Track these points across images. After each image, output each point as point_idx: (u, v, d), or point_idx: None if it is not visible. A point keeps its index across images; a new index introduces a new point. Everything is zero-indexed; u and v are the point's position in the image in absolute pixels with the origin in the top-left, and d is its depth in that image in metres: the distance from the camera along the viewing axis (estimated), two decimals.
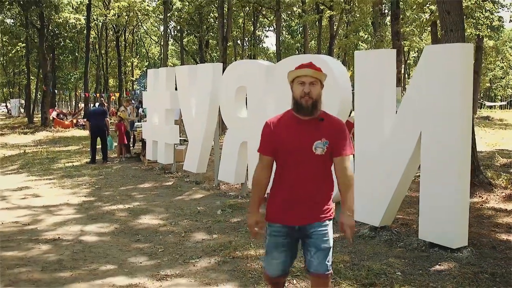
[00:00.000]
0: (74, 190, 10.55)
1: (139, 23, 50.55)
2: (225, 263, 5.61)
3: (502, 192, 8.71)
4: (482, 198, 8.45)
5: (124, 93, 44.50)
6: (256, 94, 8.72)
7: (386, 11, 27.34)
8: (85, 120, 32.14)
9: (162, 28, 44.05)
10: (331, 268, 3.52)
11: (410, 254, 5.82)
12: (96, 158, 15.07)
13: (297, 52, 50.11)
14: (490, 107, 56.74)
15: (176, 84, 12.00)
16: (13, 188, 10.96)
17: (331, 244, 3.54)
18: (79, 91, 66.35)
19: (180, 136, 12.63)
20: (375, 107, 6.61)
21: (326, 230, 3.51)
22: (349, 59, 39.63)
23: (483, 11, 18.20)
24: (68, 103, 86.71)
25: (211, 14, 38.32)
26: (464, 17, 17.37)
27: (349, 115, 7.75)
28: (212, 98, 10.22)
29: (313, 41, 48.74)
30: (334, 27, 35.32)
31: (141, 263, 5.75)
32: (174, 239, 6.75)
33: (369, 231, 6.72)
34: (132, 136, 16.94)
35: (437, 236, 5.85)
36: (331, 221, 3.57)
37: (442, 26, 9.57)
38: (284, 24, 50.88)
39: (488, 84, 62.57)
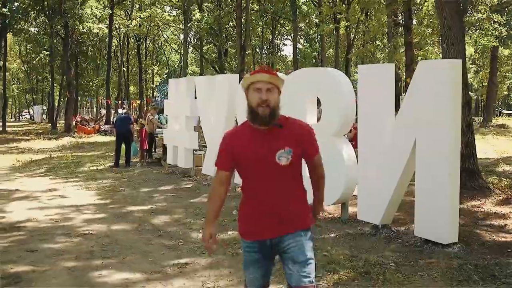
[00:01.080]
0: (99, 192, 11.30)
1: (160, 32, 51.55)
2: (238, 254, 6.27)
3: (500, 196, 9.26)
4: (480, 201, 9.00)
5: (145, 100, 45.43)
6: None
7: (402, 21, 27.95)
8: (107, 126, 33.14)
9: (182, 36, 44.99)
10: (314, 281, 3.30)
11: (405, 249, 6.44)
12: (119, 162, 15.88)
13: (314, 60, 50.64)
14: (509, 115, 56.70)
15: (195, 93, 12.72)
16: (42, 189, 11.75)
17: (311, 255, 3.33)
18: (100, 98, 67.64)
19: (198, 142, 13.33)
20: (376, 115, 7.25)
21: (301, 240, 3.31)
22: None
23: (492, 22, 18.76)
24: (89, 110, 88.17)
25: (230, 23, 39.19)
26: (474, 28, 17.95)
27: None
28: (229, 106, 10.91)
29: (331, 49, 49.42)
30: (351, 35, 35.96)
31: (163, 253, 6.47)
32: (193, 234, 7.45)
33: (371, 229, 7.34)
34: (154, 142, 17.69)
35: (430, 233, 6.47)
36: (308, 231, 3.40)
37: (443, 40, 10.20)
38: (302, 33, 51.56)
39: (505, 92, 62.51)
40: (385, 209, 7.09)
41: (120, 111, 23.70)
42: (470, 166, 9.73)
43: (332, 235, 7.23)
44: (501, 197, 9.20)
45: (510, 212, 8.25)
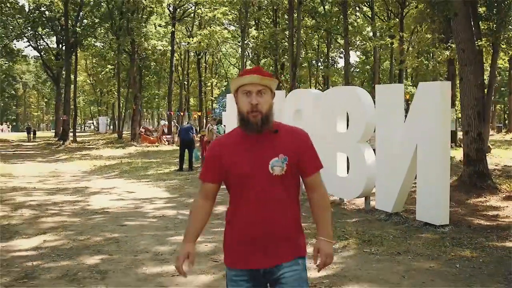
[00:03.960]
0: (167, 189, 13.50)
1: (219, 46, 54.13)
2: None
3: (504, 195, 10.90)
4: (486, 198, 10.66)
5: (205, 112, 47.98)
6: (307, 115, 11.30)
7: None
8: (169, 136, 35.73)
9: (240, 50, 47.34)
10: None
11: (406, 228, 8.27)
12: (183, 166, 18.14)
13: (366, 74, 51.94)
14: None
15: None
16: (118, 187, 14.07)
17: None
18: (161, 110, 70.84)
19: None
20: (389, 125, 9.13)
21: (298, 270, 2.86)
22: (419, 79, 40.45)
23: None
24: (150, 121, 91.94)
25: (286, 38, 41.21)
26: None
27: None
28: (277, 118, 12.89)
29: (387, 62, 50.65)
30: (405, 47, 37.28)
31: (223, 229, 8.49)
32: None
33: (385, 216, 9.18)
34: None
35: (427, 216, 8.29)
36: (305, 259, 2.95)
37: (459, 61, 11.95)
38: (357, 46, 52.90)
39: None
40: (395, 199, 8.95)
41: (184, 122, 26.06)
42: (480, 169, 11.40)
43: (353, 220, 9.11)
44: (504, 195, 10.84)
45: (506, 206, 9.91)
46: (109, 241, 7.62)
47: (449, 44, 20.56)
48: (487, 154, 19.02)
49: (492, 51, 20.68)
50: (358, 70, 56.87)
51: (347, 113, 10.33)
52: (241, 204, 2.89)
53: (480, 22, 18.67)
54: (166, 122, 44.95)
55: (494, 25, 19.10)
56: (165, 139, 36.02)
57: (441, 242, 7.28)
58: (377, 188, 9.50)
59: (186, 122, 23.02)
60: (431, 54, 31.80)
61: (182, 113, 44.84)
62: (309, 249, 3.18)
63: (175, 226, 8.74)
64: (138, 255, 6.80)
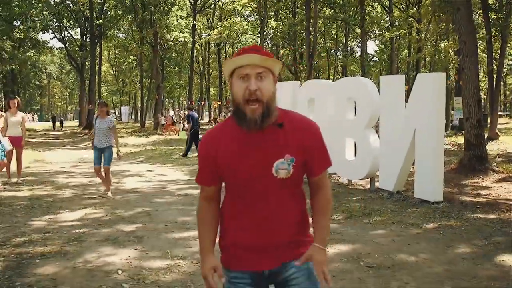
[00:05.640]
0: (191, 172, 14.60)
1: (238, 37, 55.06)
2: None
3: (500, 176, 11.82)
4: (483, 179, 11.58)
5: (225, 101, 49.07)
6: (319, 103, 12.30)
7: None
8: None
9: (259, 41, 48.27)
10: None
11: (404, 204, 9.27)
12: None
13: (383, 63, 52.45)
14: None
15: None
16: (145, 171, 15.23)
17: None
18: (182, 99, 72.02)
19: None
20: (391, 112, 10.11)
21: (309, 269, 2.53)
22: (437, 68, 40.75)
23: None
24: (171, 110, 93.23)
25: (303, 29, 42.01)
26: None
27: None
28: (292, 106, 13.89)
29: (405, 51, 51.13)
30: (423, 35, 37.80)
31: None
32: None
33: (387, 195, 10.17)
34: None
35: (423, 193, 9.28)
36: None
37: (460, 52, 12.85)
38: (377, 35, 53.34)
39: None
40: (396, 179, 9.95)
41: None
42: (479, 153, 12.30)
43: (358, 197, 10.13)
44: (500, 177, 11.76)
45: (500, 186, 10.84)
46: (141, 214, 8.76)
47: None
48: (495, 140, 19.92)
49: (501, 40, 21.40)
50: (376, 59, 57.42)
51: (354, 102, 11.31)
52: (239, 209, 2.51)
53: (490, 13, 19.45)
54: (173, 113, 46.07)
55: (503, 15, 19.88)
56: (184, 128, 37.04)
57: (431, 215, 8.29)
58: (380, 169, 10.50)
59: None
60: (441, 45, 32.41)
61: (202, 103, 46.00)
62: None
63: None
64: (168, 224, 7.92)
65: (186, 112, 21.93)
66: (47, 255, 6.24)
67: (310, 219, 2.61)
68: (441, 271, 5.54)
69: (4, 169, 12.06)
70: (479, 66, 12.92)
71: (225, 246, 2.60)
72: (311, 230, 2.62)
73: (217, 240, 2.64)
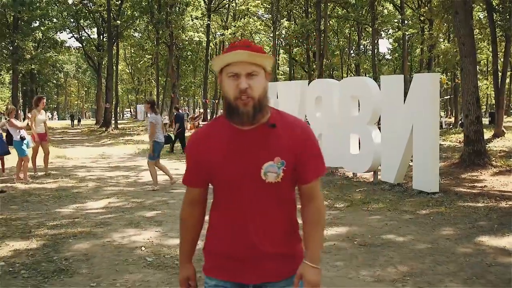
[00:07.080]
0: None
1: (252, 37, 55.77)
2: None
3: (497, 170, 12.50)
4: (481, 173, 12.27)
5: None
6: (326, 101, 13.05)
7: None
8: (204, 123, 37.60)
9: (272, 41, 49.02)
10: None
11: (402, 195, 10.01)
12: None
13: (395, 61, 52.83)
14: None
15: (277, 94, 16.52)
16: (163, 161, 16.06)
17: None
18: (196, 97, 72.88)
19: None
20: (392, 108, 10.85)
21: None
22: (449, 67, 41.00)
23: None
24: (186, 109, 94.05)
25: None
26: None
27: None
28: (301, 104, 14.66)
29: (418, 49, 51.48)
30: (434, 34, 38.19)
31: None
32: None
33: (388, 186, 10.91)
34: None
35: (420, 185, 10.02)
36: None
37: (460, 53, 13.55)
38: (390, 33, 53.75)
39: None
40: (396, 171, 10.69)
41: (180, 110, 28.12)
42: (477, 148, 13.00)
43: (361, 189, 10.88)
44: (497, 171, 12.45)
45: (496, 179, 11.52)
46: (160, 202, 9.60)
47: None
48: (501, 137, 20.52)
49: (505, 40, 21.97)
50: (389, 57, 57.89)
51: (358, 100, 12.04)
52: (225, 214, 2.35)
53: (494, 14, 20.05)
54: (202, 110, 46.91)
55: (507, 16, 20.46)
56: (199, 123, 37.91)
57: (425, 203, 9.03)
58: (382, 163, 11.23)
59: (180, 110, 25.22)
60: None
61: (216, 101, 46.87)
62: None
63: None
64: None
65: (175, 113, 23.14)
66: (78, 235, 7.08)
67: (301, 232, 2.38)
68: (424, 248, 6.30)
69: (30, 163, 12.92)
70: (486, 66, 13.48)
71: (208, 253, 2.45)
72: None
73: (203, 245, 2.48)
